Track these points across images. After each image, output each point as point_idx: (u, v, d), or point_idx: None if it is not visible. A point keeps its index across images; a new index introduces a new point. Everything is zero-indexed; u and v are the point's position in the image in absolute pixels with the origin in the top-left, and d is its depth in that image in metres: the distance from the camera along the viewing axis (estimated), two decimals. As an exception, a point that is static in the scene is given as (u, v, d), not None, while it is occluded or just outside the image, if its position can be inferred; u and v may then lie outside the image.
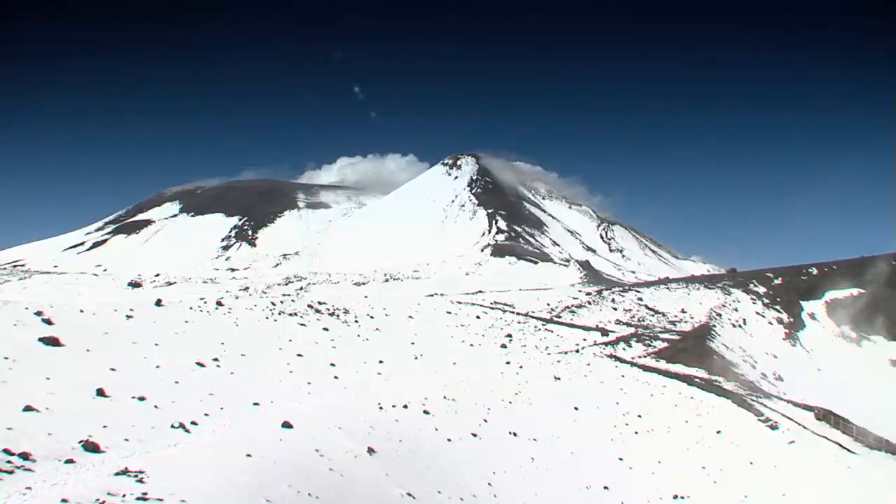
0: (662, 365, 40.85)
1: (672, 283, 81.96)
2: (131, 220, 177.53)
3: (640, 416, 28.80)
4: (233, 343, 28.87)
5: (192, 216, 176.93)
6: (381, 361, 33.06)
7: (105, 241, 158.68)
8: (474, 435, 21.94)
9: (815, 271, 76.70)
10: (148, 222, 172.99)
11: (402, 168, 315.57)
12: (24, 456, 9.94)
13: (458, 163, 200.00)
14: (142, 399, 15.42)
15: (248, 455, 11.98)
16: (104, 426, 12.49)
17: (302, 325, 38.89)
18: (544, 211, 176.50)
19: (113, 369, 18.17)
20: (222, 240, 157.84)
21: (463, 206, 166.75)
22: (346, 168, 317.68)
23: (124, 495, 8.65)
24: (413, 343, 41.25)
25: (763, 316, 64.88)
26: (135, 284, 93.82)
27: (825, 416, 29.17)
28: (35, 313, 24.14)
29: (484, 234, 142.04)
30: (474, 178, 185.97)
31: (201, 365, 22.59)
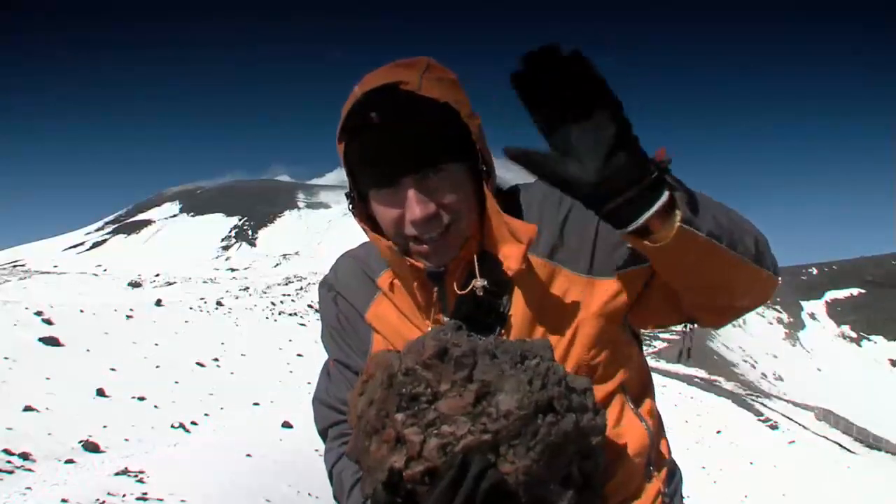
0: (662, 365, 40.84)
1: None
2: (131, 220, 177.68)
3: (640, 416, 28.85)
4: (233, 343, 28.88)
5: (192, 216, 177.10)
6: (381, 361, 33.11)
7: (105, 241, 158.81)
8: (474, 435, 21.97)
9: (815, 271, 76.75)
10: (148, 222, 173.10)
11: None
12: (24, 456, 9.96)
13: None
14: (142, 399, 15.45)
15: (248, 455, 11.98)
16: (104, 426, 12.52)
17: (302, 325, 38.90)
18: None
19: (113, 369, 18.19)
20: (222, 240, 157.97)
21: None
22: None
23: (124, 495, 8.65)
24: (413, 343, 41.31)
25: (763, 316, 64.81)
26: (135, 284, 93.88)
27: (825, 416, 29.19)
28: (35, 313, 24.11)
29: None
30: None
31: (201, 365, 22.60)
